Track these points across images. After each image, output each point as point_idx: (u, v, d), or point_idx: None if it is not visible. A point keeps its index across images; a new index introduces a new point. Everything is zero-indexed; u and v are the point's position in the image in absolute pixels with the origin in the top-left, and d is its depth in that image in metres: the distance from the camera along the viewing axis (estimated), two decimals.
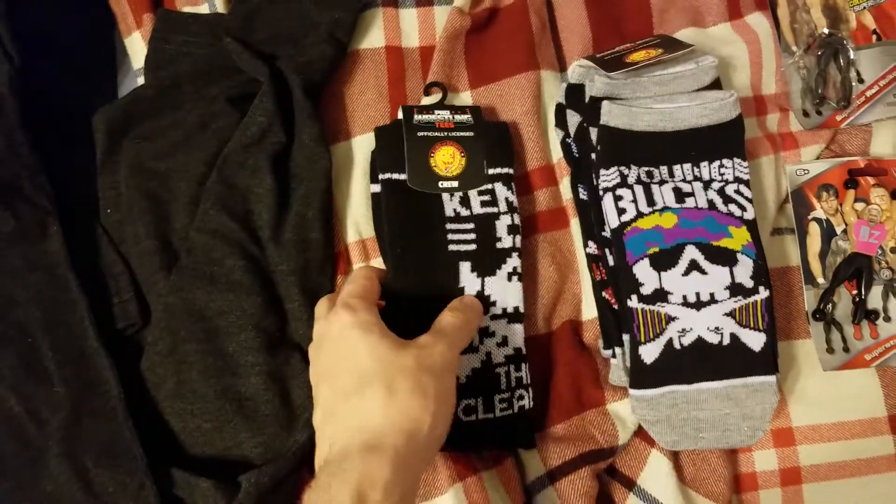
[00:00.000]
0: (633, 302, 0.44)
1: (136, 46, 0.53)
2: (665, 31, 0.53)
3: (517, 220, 0.47)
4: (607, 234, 0.46)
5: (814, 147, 0.52)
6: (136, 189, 0.47)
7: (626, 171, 0.46)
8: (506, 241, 0.46)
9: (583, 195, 0.49)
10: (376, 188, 0.48)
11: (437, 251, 0.45)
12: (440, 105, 0.50)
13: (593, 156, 0.47)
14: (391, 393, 0.36)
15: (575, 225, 0.50)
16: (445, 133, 0.48)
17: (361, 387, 0.36)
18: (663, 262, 0.44)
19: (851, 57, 0.53)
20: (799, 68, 0.52)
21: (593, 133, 0.48)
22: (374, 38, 0.52)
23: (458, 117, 0.48)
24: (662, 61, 0.48)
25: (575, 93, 0.50)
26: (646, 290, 0.44)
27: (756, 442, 0.44)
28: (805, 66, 0.52)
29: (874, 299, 0.49)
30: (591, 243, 0.48)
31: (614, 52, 0.49)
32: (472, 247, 0.46)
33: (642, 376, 0.44)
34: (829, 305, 0.49)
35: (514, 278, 0.46)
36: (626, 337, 0.45)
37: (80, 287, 0.45)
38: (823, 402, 0.48)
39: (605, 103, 0.47)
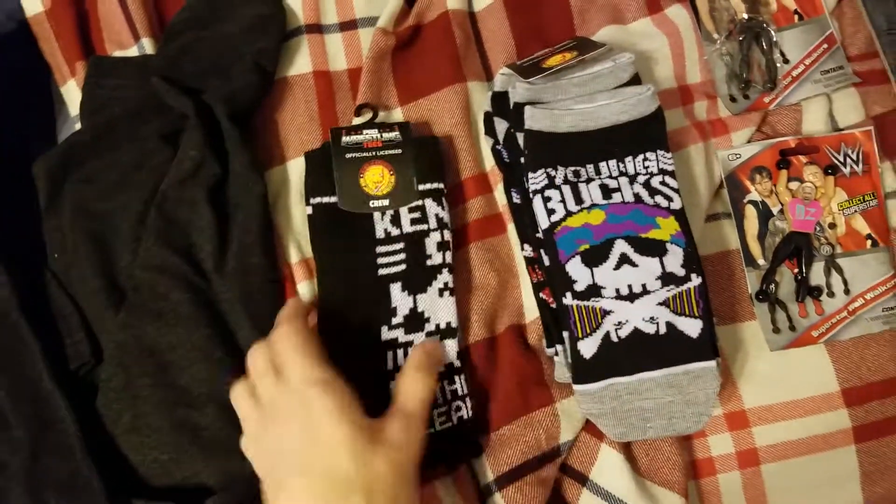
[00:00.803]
0: (568, 299, 0.45)
1: (72, 94, 0.55)
2: (586, 32, 0.54)
3: (447, 237, 0.48)
4: (540, 235, 0.47)
5: (744, 131, 0.52)
6: (80, 231, 0.49)
7: (553, 172, 0.47)
8: (436, 258, 0.47)
9: (516, 199, 0.50)
10: (309, 210, 0.48)
11: (366, 275, 0.46)
12: (368, 124, 0.50)
13: (522, 160, 0.48)
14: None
15: (511, 230, 0.50)
16: (374, 152, 0.48)
17: (345, 496, 0.36)
18: (594, 257, 0.45)
19: (774, 38, 0.53)
20: (722, 55, 0.53)
21: (520, 138, 0.48)
22: (301, 65, 0.53)
23: (386, 135, 0.49)
24: (581, 62, 0.48)
25: (501, 100, 0.51)
26: (579, 286, 0.45)
27: (703, 427, 0.44)
28: (728, 51, 0.53)
29: (816, 276, 0.50)
30: (526, 246, 0.49)
31: (532, 59, 0.50)
32: (402, 267, 0.47)
33: (583, 371, 0.44)
34: (772, 286, 0.49)
35: (446, 293, 0.47)
36: (565, 334, 0.45)
37: (32, 331, 0.47)
38: (774, 382, 0.48)
39: (527, 108, 0.47)
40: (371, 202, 0.48)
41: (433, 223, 0.47)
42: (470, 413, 0.46)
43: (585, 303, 0.44)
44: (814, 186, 0.51)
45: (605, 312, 0.44)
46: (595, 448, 0.47)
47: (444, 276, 0.47)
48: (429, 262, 0.47)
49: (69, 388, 0.46)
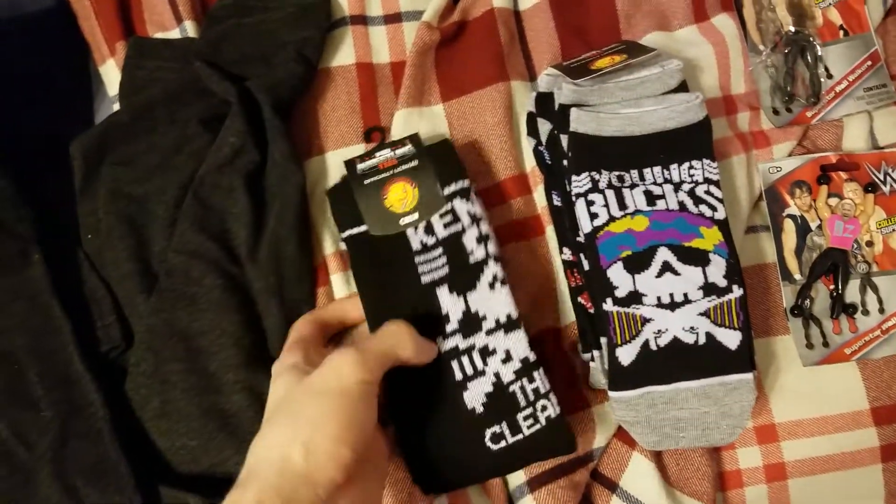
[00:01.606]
0: (608, 305, 0.44)
1: (111, 74, 0.55)
2: (632, 37, 0.53)
3: (485, 229, 0.46)
4: (581, 239, 0.47)
5: (785, 144, 0.52)
6: (114, 214, 0.48)
7: (597, 176, 0.47)
8: (478, 253, 0.45)
9: (557, 202, 0.49)
10: (344, 245, 0.48)
11: (411, 288, 0.45)
12: (379, 146, 0.49)
13: (565, 162, 0.48)
14: (266, 423, 0.37)
15: (550, 232, 0.50)
16: (391, 171, 0.47)
17: (265, 421, 0.37)
18: (636, 264, 0.45)
19: (819, 53, 0.53)
20: (767, 67, 0.53)
21: (564, 140, 0.48)
22: (344, 56, 0.53)
23: (399, 151, 0.48)
24: (628, 66, 0.48)
25: (545, 101, 0.50)
26: (620, 292, 0.44)
27: (736, 439, 0.44)
28: (773, 64, 0.53)
29: (851, 293, 0.49)
30: (566, 249, 0.48)
31: (580, 60, 0.49)
32: (445, 270, 0.45)
33: (620, 378, 0.44)
34: (807, 301, 0.49)
35: (498, 285, 0.44)
36: (603, 340, 0.45)
37: (64, 313, 0.46)
38: (805, 398, 0.48)
39: (573, 110, 0.47)
40: (401, 220, 0.46)
41: (466, 221, 0.46)
42: (557, 409, 0.43)
43: (626, 309, 0.44)
44: (853, 203, 0.51)
45: (646, 320, 0.44)
46: (626, 455, 0.46)
47: (492, 268, 0.45)
48: (471, 259, 0.45)
49: (98, 372, 0.46)
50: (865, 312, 0.49)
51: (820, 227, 0.50)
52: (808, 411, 0.48)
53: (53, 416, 0.44)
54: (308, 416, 0.35)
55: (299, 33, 0.51)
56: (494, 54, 0.52)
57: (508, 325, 0.44)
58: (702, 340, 0.44)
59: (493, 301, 0.44)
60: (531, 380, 0.43)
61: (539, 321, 0.49)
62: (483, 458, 0.42)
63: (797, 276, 0.50)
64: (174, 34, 0.55)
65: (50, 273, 0.47)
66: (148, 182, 0.49)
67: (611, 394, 0.44)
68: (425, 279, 0.45)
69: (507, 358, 0.43)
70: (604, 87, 0.48)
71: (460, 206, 0.46)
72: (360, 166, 0.47)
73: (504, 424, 0.42)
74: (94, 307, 0.48)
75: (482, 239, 0.45)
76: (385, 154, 0.47)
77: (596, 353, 0.46)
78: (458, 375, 0.43)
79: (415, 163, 0.47)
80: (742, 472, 0.47)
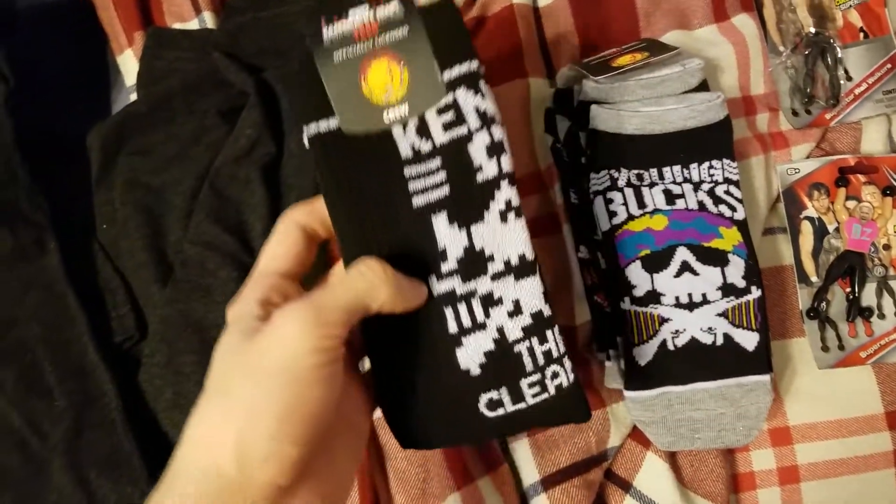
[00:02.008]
0: (625, 304, 0.44)
1: (128, 64, 0.55)
2: (651, 35, 0.53)
3: (498, 134, 0.34)
4: (599, 237, 0.46)
5: (804, 146, 0.52)
6: (131, 204, 0.48)
7: (616, 174, 0.46)
8: (488, 169, 0.34)
9: (574, 199, 0.49)
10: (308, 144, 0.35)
11: (397, 212, 0.34)
12: (352, 1, 0.34)
13: (583, 160, 0.48)
14: (200, 402, 0.29)
15: (566, 230, 0.50)
16: (370, 42, 0.33)
17: (202, 397, 0.29)
18: (655, 263, 0.44)
19: (839, 55, 0.53)
20: (787, 68, 0.53)
21: (583, 137, 0.48)
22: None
23: (382, 11, 0.33)
24: (649, 64, 0.48)
25: (563, 98, 0.50)
26: (638, 292, 0.44)
27: (751, 441, 0.44)
28: (793, 65, 0.53)
29: (868, 297, 0.49)
30: (582, 247, 0.48)
31: (601, 57, 0.49)
32: (444, 190, 0.34)
33: (637, 378, 0.44)
34: (824, 304, 0.49)
35: (511, 216, 0.34)
36: (619, 339, 0.45)
37: (79, 302, 0.46)
38: (820, 400, 0.48)
39: (593, 107, 0.47)
40: (385, 114, 0.34)
41: (474, 121, 0.34)
42: (571, 377, 0.35)
43: (644, 309, 0.44)
44: (871, 207, 0.50)
45: (664, 320, 0.44)
46: (640, 455, 0.46)
47: (505, 192, 0.34)
48: (479, 177, 0.34)
49: (112, 363, 0.46)
50: (881, 316, 0.49)
51: (837, 229, 0.50)
52: (822, 414, 0.48)
53: (67, 407, 0.44)
54: (242, 404, 0.27)
55: (316, 27, 0.51)
56: (513, 50, 0.52)
57: (521, 269, 0.34)
58: (719, 341, 0.44)
59: (504, 237, 0.34)
60: (543, 339, 0.34)
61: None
62: (476, 423, 0.35)
63: (814, 279, 0.50)
64: (192, 25, 0.54)
65: (65, 262, 0.47)
66: (165, 172, 0.49)
67: (627, 393, 0.44)
68: (417, 201, 0.34)
69: (516, 310, 0.34)
70: (624, 86, 0.47)
71: (466, 98, 0.34)
72: (329, 34, 0.34)
73: (504, 390, 0.34)
74: (108, 297, 0.48)
75: (495, 149, 0.34)
76: (362, 15, 0.33)
77: (612, 352, 0.45)
78: (453, 327, 0.34)
79: (403, 31, 0.33)
80: (756, 474, 0.47)
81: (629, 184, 0.46)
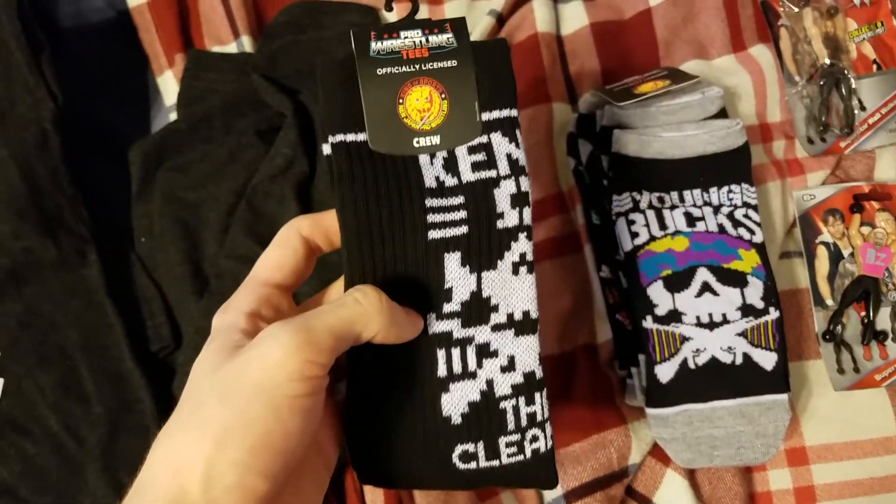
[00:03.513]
0: (647, 323, 0.45)
1: (168, 84, 0.57)
2: (671, 63, 0.55)
3: (525, 186, 0.33)
4: (620, 257, 0.48)
5: (819, 173, 0.53)
6: (168, 218, 0.50)
7: (637, 197, 0.48)
8: (510, 218, 0.33)
9: (595, 220, 0.50)
10: (328, 149, 0.34)
11: (413, 241, 0.32)
12: (408, 22, 0.34)
13: (605, 182, 0.49)
14: (173, 417, 0.28)
15: (588, 251, 0.51)
16: (417, 65, 0.33)
17: (175, 410, 0.28)
18: (676, 283, 0.46)
19: (853, 86, 0.55)
20: (802, 97, 0.54)
21: (605, 161, 0.50)
22: None
23: (435, 39, 0.33)
24: (670, 92, 0.50)
25: (586, 123, 0.52)
26: (660, 311, 0.45)
27: (769, 459, 0.45)
28: (808, 94, 0.54)
29: (882, 320, 0.50)
30: (604, 267, 0.50)
31: (623, 84, 0.51)
32: (463, 229, 0.33)
33: (659, 395, 0.45)
34: (839, 327, 0.50)
35: (523, 270, 0.33)
36: (641, 357, 0.46)
37: (117, 311, 0.48)
38: (835, 422, 0.49)
39: (616, 132, 0.49)
40: (415, 140, 0.33)
41: (504, 167, 0.33)
42: (549, 444, 0.34)
43: (665, 328, 0.45)
44: (885, 232, 0.52)
45: (685, 339, 0.45)
46: (660, 472, 0.47)
47: (521, 245, 0.33)
48: (500, 224, 0.33)
49: (148, 370, 0.47)
50: None
51: (852, 254, 0.51)
52: (838, 435, 0.48)
53: (104, 412, 0.45)
54: (215, 428, 0.26)
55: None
56: (537, 77, 0.54)
57: (523, 326, 0.33)
58: (739, 360, 0.45)
59: (514, 289, 0.33)
60: (530, 401, 0.33)
61: (575, 337, 0.50)
62: (445, 472, 0.33)
63: (829, 302, 0.51)
64: (231, 48, 0.57)
65: (104, 273, 0.48)
66: (202, 189, 0.51)
67: (648, 410, 0.45)
68: (433, 234, 0.32)
69: (510, 366, 0.33)
70: (646, 111, 0.49)
71: (500, 143, 0.33)
72: (377, 45, 0.33)
73: (481, 445, 0.33)
74: (144, 307, 0.49)
75: (519, 200, 0.33)
76: (414, 37, 0.33)
77: (633, 369, 0.47)
78: (442, 371, 0.33)
79: (452, 62, 0.33)
80: (773, 493, 0.48)
81: (651, 206, 0.48)
